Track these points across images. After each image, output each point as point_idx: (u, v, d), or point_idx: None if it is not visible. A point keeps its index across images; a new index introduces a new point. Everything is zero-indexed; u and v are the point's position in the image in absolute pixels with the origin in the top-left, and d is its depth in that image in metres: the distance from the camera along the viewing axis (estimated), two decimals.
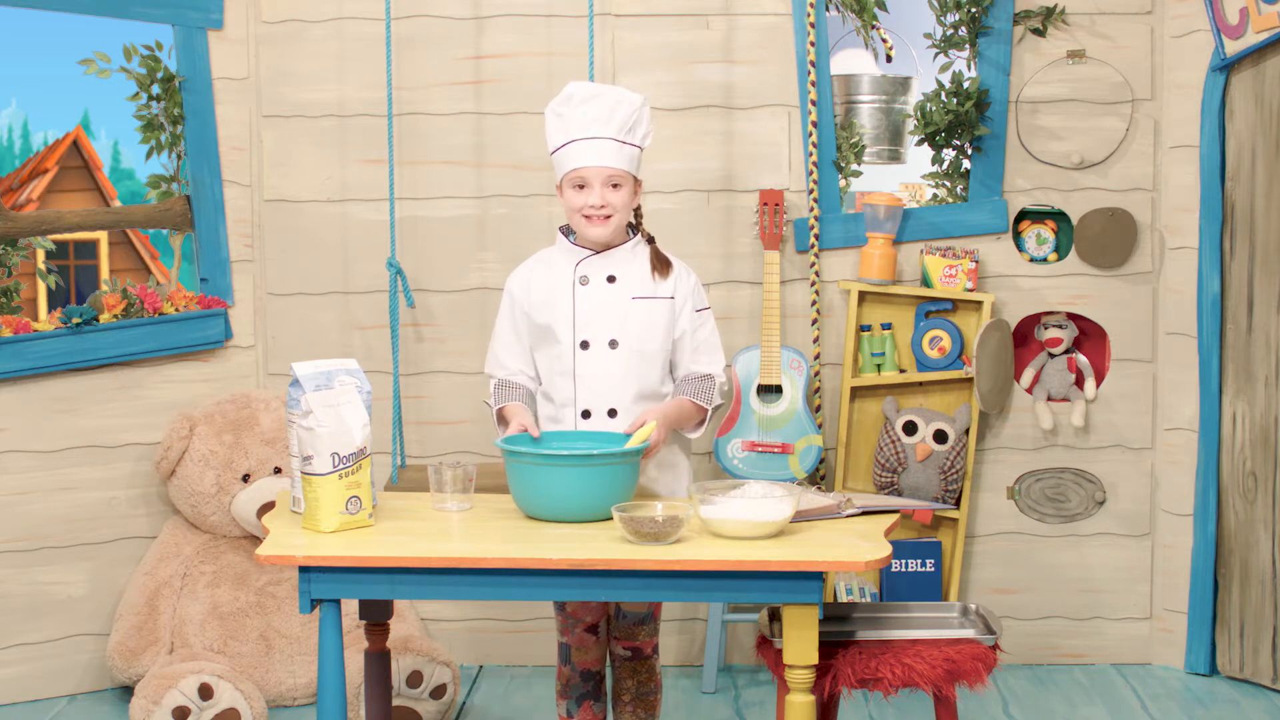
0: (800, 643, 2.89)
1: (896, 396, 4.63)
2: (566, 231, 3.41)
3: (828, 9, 4.63)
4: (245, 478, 4.35)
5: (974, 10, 4.56)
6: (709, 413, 3.37)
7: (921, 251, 4.60)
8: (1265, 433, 4.42)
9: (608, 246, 3.36)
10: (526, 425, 3.23)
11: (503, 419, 3.35)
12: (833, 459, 4.65)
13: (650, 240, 3.41)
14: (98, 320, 4.39)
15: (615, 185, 3.28)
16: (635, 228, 3.42)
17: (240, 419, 4.40)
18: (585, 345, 3.34)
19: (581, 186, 3.29)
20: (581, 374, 3.34)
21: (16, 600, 4.36)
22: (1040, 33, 4.58)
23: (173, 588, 4.32)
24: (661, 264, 3.38)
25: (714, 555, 2.87)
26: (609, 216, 3.29)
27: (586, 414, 3.35)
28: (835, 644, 3.13)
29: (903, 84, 4.78)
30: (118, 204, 5.55)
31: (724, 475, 4.50)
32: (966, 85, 4.57)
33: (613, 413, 3.33)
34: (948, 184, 4.70)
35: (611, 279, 3.35)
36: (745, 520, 2.95)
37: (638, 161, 3.33)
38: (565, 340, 3.35)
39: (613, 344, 3.33)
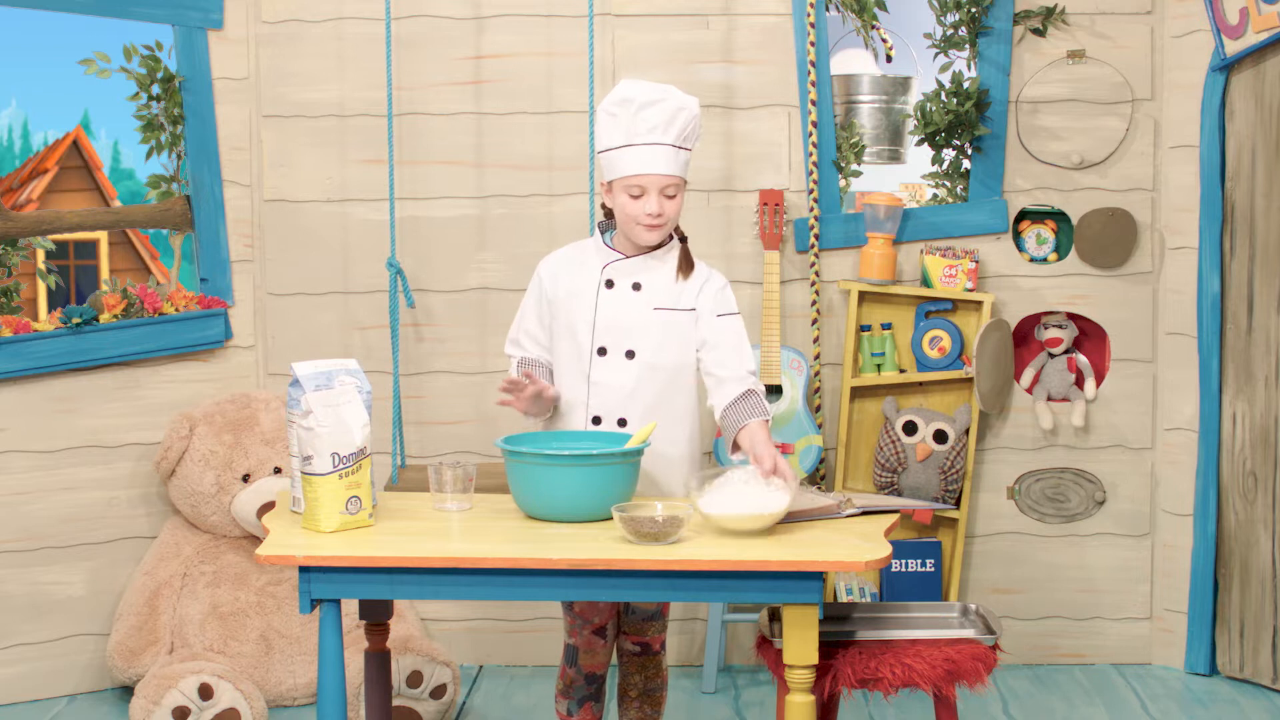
0: (800, 643, 2.89)
1: (896, 396, 4.63)
2: (604, 229, 3.39)
3: (828, 9, 4.64)
4: (245, 478, 4.35)
5: (974, 10, 4.56)
6: (770, 423, 3.38)
7: (921, 251, 4.60)
8: (1265, 433, 4.42)
9: (642, 250, 3.35)
10: (542, 387, 3.24)
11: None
12: (833, 459, 4.65)
13: (683, 239, 3.39)
14: (98, 320, 4.39)
15: (670, 194, 3.25)
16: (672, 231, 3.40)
17: (240, 419, 4.40)
18: (602, 352, 3.31)
19: (637, 195, 3.25)
20: (596, 380, 3.31)
21: (16, 600, 4.36)
22: (1040, 33, 4.59)
23: (173, 588, 4.32)
24: (686, 266, 3.35)
25: (714, 555, 2.87)
26: (663, 224, 3.28)
27: (597, 420, 3.32)
28: (835, 644, 3.13)
29: (903, 84, 4.78)
30: (118, 204, 5.55)
31: None
32: (966, 85, 4.57)
33: (622, 422, 3.31)
34: (948, 184, 4.70)
35: (637, 286, 3.32)
36: (749, 514, 2.96)
37: (688, 166, 3.30)
38: (583, 343, 3.32)
39: (630, 354, 3.31)
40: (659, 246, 3.34)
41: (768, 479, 3.04)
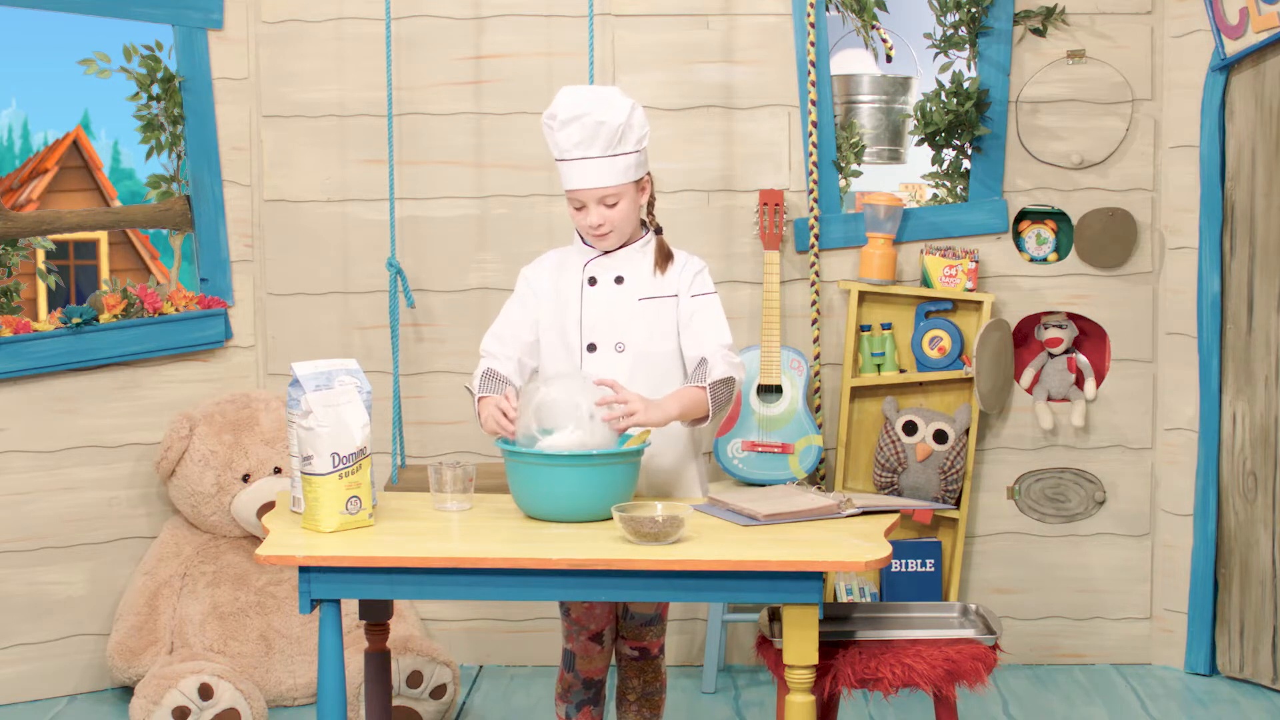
0: (800, 643, 2.89)
1: (896, 396, 4.63)
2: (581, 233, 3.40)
3: (828, 9, 4.64)
4: (245, 478, 4.35)
5: (974, 10, 4.56)
6: (707, 390, 3.21)
7: (921, 251, 4.60)
8: (1265, 433, 4.42)
9: (618, 246, 3.35)
10: (504, 408, 3.19)
11: (481, 410, 3.28)
12: (833, 459, 4.65)
13: (658, 231, 3.39)
14: (98, 320, 4.39)
15: (611, 203, 3.25)
16: (646, 223, 3.40)
17: (240, 419, 4.40)
18: (592, 348, 3.31)
19: (579, 207, 3.27)
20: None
21: (16, 600, 4.36)
22: (1040, 33, 4.59)
23: (173, 588, 4.32)
24: (663, 258, 3.36)
25: (714, 555, 2.87)
26: (609, 232, 3.28)
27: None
28: (835, 644, 3.13)
29: (903, 84, 4.78)
30: (118, 204, 5.55)
31: (724, 475, 4.50)
32: (966, 85, 4.57)
33: None
34: (948, 184, 4.70)
35: (619, 280, 3.33)
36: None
37: (636, 165, 3.26)
38: (573, 342, 3.32)
39: (619, 347, 3.31)
40: (634, 242, 3.34)
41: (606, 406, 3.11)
